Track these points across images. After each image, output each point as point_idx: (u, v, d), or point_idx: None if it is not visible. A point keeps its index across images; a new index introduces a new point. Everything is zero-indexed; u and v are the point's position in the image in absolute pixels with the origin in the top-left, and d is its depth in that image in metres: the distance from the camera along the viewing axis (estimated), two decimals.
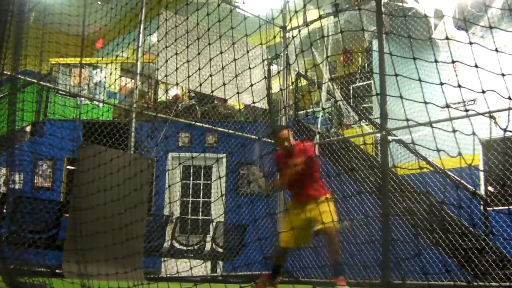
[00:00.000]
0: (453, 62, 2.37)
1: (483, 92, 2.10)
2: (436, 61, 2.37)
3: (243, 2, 7.50)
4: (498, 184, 6.26)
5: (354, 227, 6.28)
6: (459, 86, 2.24)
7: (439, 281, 5.67)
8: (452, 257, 6.08)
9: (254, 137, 7.70)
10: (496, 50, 2.17)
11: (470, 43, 2.29)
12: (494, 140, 6.37)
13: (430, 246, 6.13)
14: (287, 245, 4.26)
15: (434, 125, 2.87)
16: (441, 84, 2.33)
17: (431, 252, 6.07)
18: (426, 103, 2.40)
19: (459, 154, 2.25)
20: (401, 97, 2.47)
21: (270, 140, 7.73)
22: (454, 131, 2.26)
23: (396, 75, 2.60)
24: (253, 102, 6.61)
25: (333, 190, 6.26)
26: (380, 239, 5.26)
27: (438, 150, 2.34)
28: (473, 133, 2.20)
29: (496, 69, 2.10)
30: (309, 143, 4.56)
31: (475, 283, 5.50)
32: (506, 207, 6.04)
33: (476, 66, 2.15)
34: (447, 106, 2.36)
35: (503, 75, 2.07)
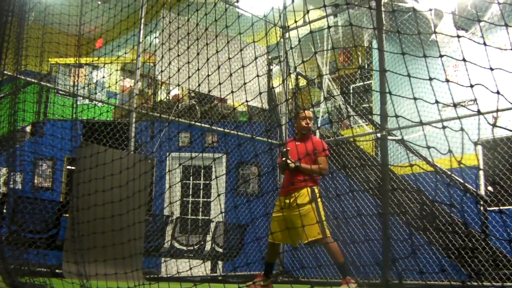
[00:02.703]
0: (440, 56, 2.37)
1: (471, 86, 2.09)
2: (425, 56, 2.36)
3: (237, 1, 7.49)
4: (498, 184, 6.27)
5: (353, 226, 6.29)
6: (447, 81, 2.24)
7: (438, 280, 5.68)
8: (451, 258, 6.09)
9: (253, 137, 7.71)
10: (485, 44, 2.17)
11: (458, 37, 2.29)
12: (495, 140, 6.38)
13: (429, 246, 6.13)
14: (274, 240, 4.27)
15: (434, 124, 2.87)
16: (430, 79, 2.32)
17: (431, 252, 6.08)
18: (417, 99, 2.39)
19: (449, 151, 2.24)
20: (390, 93, 2.47)
21: (269, 140, 7.74)
22: (444, 127, 2.25)
23: (390, 71, 2.60)
24: (247, 101, 6.61)
25: (331, 189, 6.27)
26: (379, 238, 5.27)
27: (429, 148, 2.34)
28: (462, 129, 2.19)
29: (496, 69, 2.09)
30: (320, 140, 4.57)
31: (474, 283, 5.50)
32: (506, 207, 6.04)
33: (464, 60, 2.14)
34: (437, 103, 2.34)
35: (491, 68, 2.06)
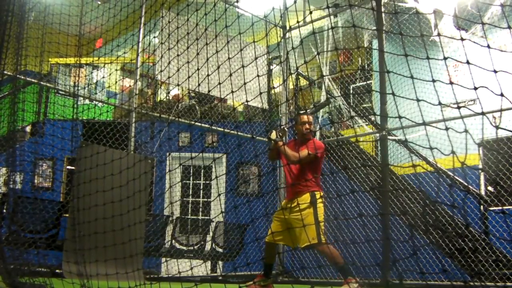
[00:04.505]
0: (444, 59, 2.37)
1: (475, 88, 2.09)
2: (428, 58, 2.35)
3: (237, 1, 7.48)
4: (498, 184, 6.26)
5: (353, 226, 6.28)
6: (451, 83, 2.24)
7: (438, 281, 5.68)
8: (452, 258, 6.09)
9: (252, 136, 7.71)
10: (488, 47, 2.16)
11: (462, 39, 2.29)
12: (495, 140, 6.37)
13: (429, 246, 6.13)
14: (270, 240, 4.28)
15: (434, 124, 2.87)
16: (433, 81, 2.32)
17: (431, 252, 6.08)
18: (419, 101, 2.38)
19: (452, 152, 2.24)
20: (393, 94, 2.46)
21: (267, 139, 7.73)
22: (447, 128, 2.25)
23: (389, 72, 2.59)
24: (247, 101, 6.60)
25: (331, 189, 6.27)
26: (380, 239, 5.26)
27: (431, 148, 2.34)
28: (465, 130, 2.19)
29: (496, 69, 2.09)
30: (321, 144, 4.54)
31: (472, 283, 5.49)
32: (506, 207, 6.04)
33: (468, 63, 2.14)
34: (440, 104, 2.34)
35: (495, 71, 2.05)
